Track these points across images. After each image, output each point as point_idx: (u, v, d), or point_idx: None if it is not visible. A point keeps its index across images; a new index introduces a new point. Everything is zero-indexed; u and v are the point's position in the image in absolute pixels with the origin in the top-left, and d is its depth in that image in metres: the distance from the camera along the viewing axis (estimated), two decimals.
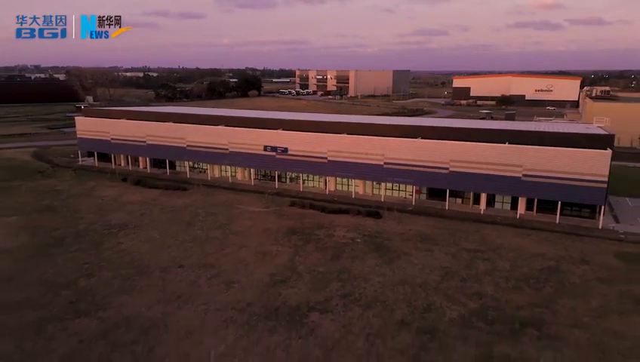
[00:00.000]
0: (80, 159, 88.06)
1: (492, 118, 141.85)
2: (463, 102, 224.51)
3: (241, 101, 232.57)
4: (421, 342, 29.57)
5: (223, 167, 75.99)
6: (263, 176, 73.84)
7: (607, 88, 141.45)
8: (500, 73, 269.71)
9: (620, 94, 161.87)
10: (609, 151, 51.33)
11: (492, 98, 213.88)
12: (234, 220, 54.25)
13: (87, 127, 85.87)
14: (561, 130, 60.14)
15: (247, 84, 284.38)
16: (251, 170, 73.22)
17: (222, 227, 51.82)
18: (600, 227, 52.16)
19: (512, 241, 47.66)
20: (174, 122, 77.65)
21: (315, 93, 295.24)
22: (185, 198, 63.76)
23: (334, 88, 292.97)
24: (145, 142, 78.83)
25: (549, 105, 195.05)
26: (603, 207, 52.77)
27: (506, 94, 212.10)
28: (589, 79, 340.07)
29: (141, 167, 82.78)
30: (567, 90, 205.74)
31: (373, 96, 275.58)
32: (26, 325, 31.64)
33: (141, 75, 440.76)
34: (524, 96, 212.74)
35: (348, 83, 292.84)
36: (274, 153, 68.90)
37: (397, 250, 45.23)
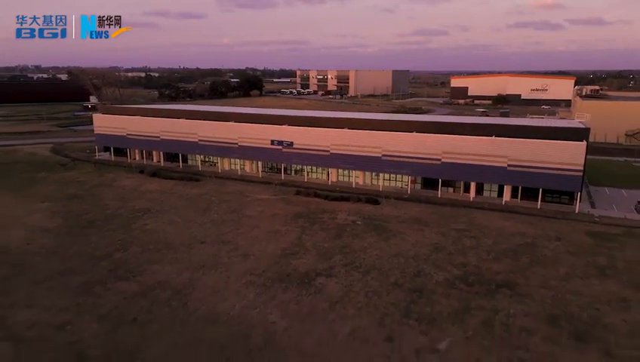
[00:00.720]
0: (97, 154, 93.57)
1: (487, 117, 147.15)
2: (461, 101, 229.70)
3: (243, 101, 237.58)
4: (411, 298, 35.14)
5: (233, 160, 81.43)
6: (270, 168, 79.27)
7: (597, 87, 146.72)
8: (497, 73, 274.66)
9: (612, 93, 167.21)
10: (584, 143, 56.91)
11: (489, 97, 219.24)
12: (246, 206, 59.79)
13: (104, 123, 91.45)
14: (542, 125, 65.70)
15: (248, 84, 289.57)
16: (259, 162, 78.65)
17: (235, 212, 57.37)
18: (577, 211, 57.69)
19: (496, 223, 53.20)
20: (187, 119, 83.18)
21: (315, 92, 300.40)
22: (199, 188, 69.28)
23: (335, 88, 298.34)
24: (159, 137, 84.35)
25: (544, 104, 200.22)
26: (579, 193, 58.35)
27: (503, 94, 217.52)
28: (587, 79, 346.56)
29: (155, 160, 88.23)
30: (562, 89, 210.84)
31: (373, 95, 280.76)
32: (75, 287, 37.21)
33: (143, 75, 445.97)
34: (519, 95, 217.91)
35: (348, 83, 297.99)
36: (280, 147, 74.34)
37: (393, 229, 50.75)
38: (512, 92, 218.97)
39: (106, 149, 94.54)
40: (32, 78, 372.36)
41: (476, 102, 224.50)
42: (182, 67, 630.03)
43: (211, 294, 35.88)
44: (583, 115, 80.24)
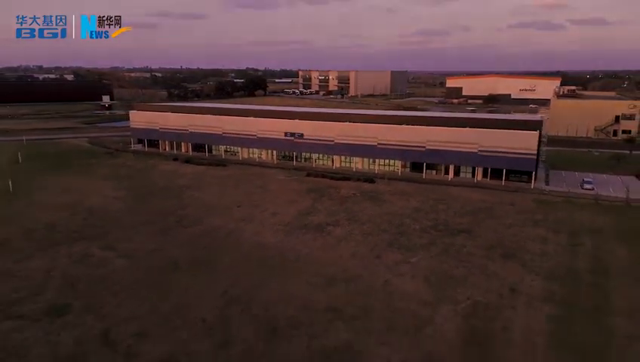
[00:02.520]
0: (132, 145, 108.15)
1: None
2: (455, 100, 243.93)
3: (249, 100, 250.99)
4: (395, 237, 49.82)
5: (251, 150, 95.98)
6: (283, 156, 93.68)
7: (573, 88, 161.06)
8: (489, 74, 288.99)
9: (590, 93, 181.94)
10: (537, 132, 71.55)
11: (481, 97, 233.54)
12: (267, 183, 74.43)
13: (139, 119, 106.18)
14: (505, 118, 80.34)
15: (253, 84, 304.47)
16: (274, 151, 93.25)
17: (260, 187, 72.03)
18: (532, 187, 72.29)
19: (466, 194, 67.85)
20: (212, 115, 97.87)
21: (317, 92, 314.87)
22: (226, 171, 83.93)
23: (336, 88, 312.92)
24: (188, 130, 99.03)
25: (532, 103, 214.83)
26: (534, 172, 72.96)
27: (494, 93, 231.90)
28: (584, 79, 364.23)
29: (183, 151, 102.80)
30: (549, 89, 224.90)
31: (372, 95, 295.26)
32: (155, 231, 51.86)
33: (148, 75, 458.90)
34: (509, 95, 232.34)
35: (349, 83, 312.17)
36: (292, 138, 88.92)
37: (385, 199, 65.41)
38: (502, 92, 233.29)
39: (139, 141, 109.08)
40: (38, 78, 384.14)
41: (469, 101, 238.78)
42: (183, 67, 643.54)
43: (254, 234, 50.60)
44: (545, 111, 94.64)
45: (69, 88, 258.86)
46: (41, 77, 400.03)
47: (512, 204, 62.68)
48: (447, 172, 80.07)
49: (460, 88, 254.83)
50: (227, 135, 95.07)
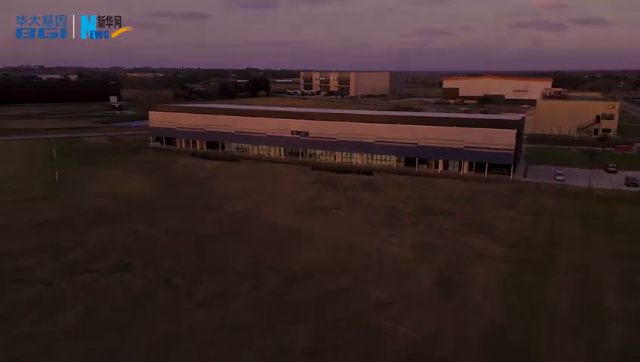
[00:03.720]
0: (151, 143, 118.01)
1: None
2: (452, 101, 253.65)
3: (253, 101, 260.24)
4: (387, 217, 59.78)
5: (261, 147, 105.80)
6: (290, 152, 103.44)
7: (560, 89, 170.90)
8: (485, 75, 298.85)
9: (577, 94, 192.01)
10: (515, 130, 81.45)
11: (477, 98, 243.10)
12: (278, 176, 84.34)
13: (157, 118, 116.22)
14: (489, 118, 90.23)
15: (256, 84, 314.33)
16: (282, 148, 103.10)
17: (271, 179, 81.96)
18: (511, 178, 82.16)
19: (452, 184, 77.77)
20: (225, 115, 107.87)
21: (318, 93, 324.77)
22: (240, 165, 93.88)
23: (336, 89, 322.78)
24: (203, 129, 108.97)
25: (525, 103, 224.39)
26: (513, 166, 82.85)
27: (488, 94, 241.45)
28: (582, 79, 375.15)
29: (198, 148, 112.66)
30: (540, 90, 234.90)
31: (372, 95, 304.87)
32: (186, 213, 61.80)
33: (150, 75, 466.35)
34: (503, 95, 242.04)
35: (349, 84, 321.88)
36: (298, 136, 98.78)
37: (381, 188, 75.33)
38: (496, 93, 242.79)
39: (157, 139, 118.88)
40: (41, 78, 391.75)
41: (465, 102, 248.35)
42: (184, 67, 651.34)
43: (270, 216, 60.53)
44: (532, 112, 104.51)
45: (77, 89, 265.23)
46: (44, 77, 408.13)
47: (490, 192, 72.55)
48: (437, 166, 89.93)
49: (457, 89, 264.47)
50: (239, 133, 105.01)
